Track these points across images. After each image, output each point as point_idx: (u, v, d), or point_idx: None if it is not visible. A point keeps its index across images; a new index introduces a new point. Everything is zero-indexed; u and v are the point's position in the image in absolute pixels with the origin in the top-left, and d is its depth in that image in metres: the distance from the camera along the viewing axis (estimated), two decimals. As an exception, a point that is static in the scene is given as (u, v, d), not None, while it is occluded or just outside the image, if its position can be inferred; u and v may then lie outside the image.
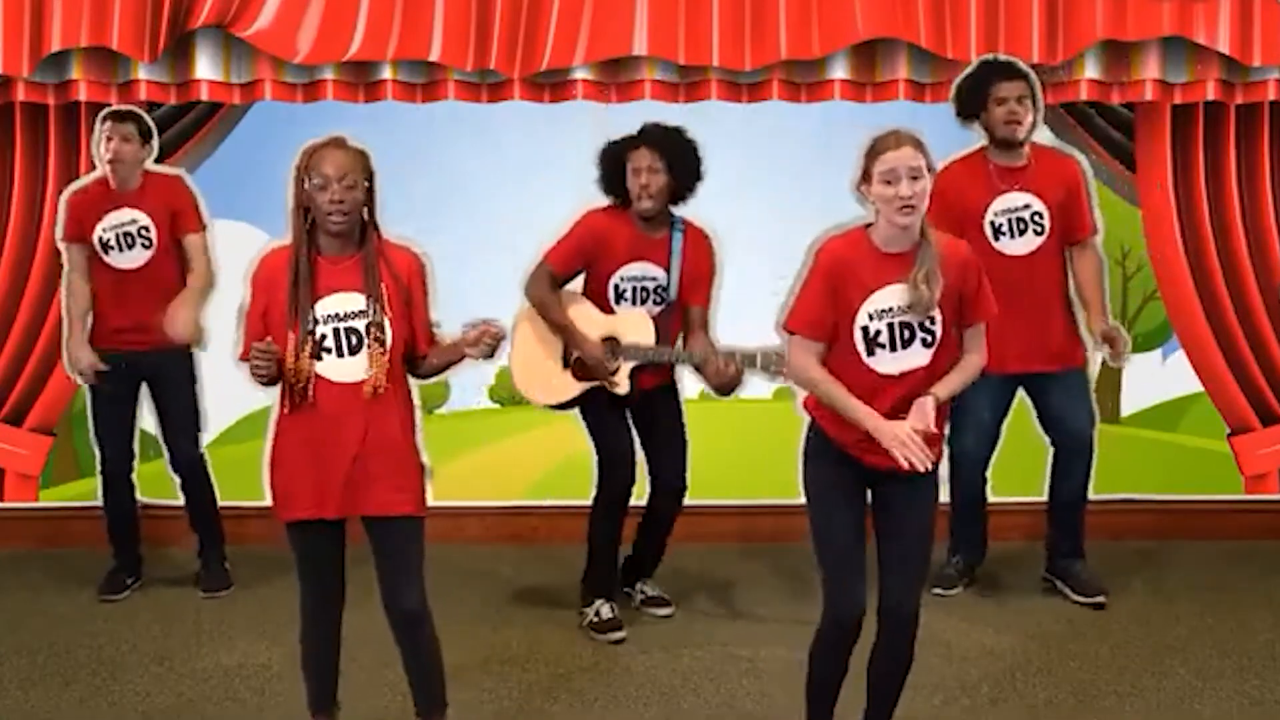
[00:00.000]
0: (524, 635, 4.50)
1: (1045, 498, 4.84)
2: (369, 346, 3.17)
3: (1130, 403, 5.65)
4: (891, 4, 5.07)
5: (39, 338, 5.43)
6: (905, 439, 3.08)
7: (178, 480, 5.04)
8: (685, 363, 4.43)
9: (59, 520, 5.55)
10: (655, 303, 4.45)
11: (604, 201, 4.49)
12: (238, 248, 5.19)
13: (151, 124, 4.91)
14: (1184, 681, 4.10)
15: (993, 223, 4.56)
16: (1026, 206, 4.56)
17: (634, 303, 4.44)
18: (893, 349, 3.16)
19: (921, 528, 3.27)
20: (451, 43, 5.08)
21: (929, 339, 3.16)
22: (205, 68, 5.17)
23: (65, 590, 4.99)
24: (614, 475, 4.49)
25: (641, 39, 5.10)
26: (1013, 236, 4.57)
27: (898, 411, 3.15)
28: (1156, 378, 5.63)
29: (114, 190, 4.81)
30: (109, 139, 4.76)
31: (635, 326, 4.42)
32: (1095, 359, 4.86)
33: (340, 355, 3.18)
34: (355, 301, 3.19)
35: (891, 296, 3.15)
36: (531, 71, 5.12)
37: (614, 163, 4.44)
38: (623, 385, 4.41)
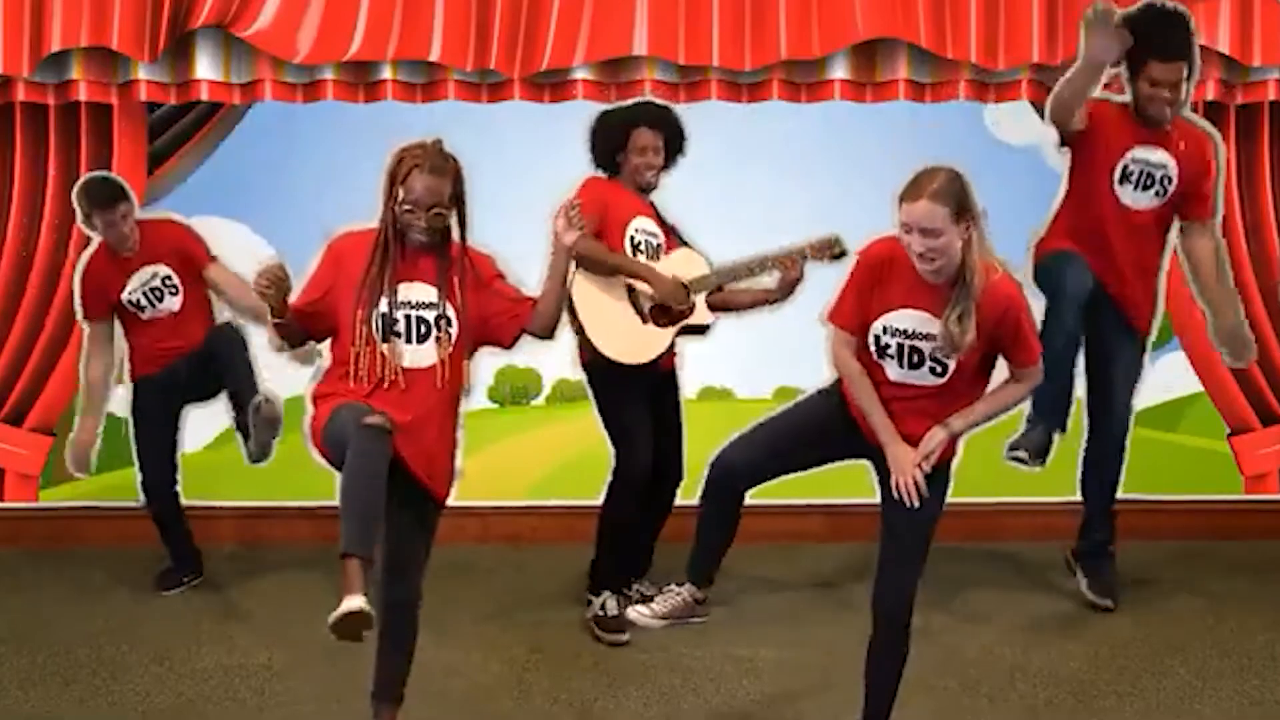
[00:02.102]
0: (524, 635, 4.49)
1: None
2: (437, 336, 3.26)
3: (1131, 402, 5.65)
4: (891, 4, 5.07)
5: (39, 338, 5.43)
6: (908, 470, 3.14)
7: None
8: (760, 271, 4.43)
9: (59, 520, 5.54)
10: (653, 255, 4.51)
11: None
12: (237, 248, 5.23)
13: (122, 182, 4.96)
14: (1184, 681, 4.10)
15: (1125, 167, 4.47)
16: (1162, 165, 4.47)
17: (647, 256, 4.47)
18: (899, 365, 3.19)
19: (917, 528, 3.27)
20: (451, 43, 5.07)
21: (938, 369, 3.17)
22: (205, 68, 5.16)
23: (65, 590, 4.98)
24: (632, 458, 4.45)
25: (641, 39, 5.10)
26: (1136, 188, 4.48)
27: (902, 412, 3.18)
28: (1156, 378, 5.62)
29: (123, 255, 4.90)
30: (108, 225, 4.84)
31: (690, 263, 4.50)
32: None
33: (409, 341, 3.26)
34: (428, 293, 3.28)
35: (910, 320, 3.15)
36: (531, 71, 5.12)
37: (616, 136, 4.51)
38: (706, 316, 4.48)
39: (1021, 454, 4.50)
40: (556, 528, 5.47)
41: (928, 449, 3.17)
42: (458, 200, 3.31)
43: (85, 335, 5.01)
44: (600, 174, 4.54)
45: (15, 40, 5.00)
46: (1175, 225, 4.62)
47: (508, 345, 3.40)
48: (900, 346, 3.17)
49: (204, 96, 5.23)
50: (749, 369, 5.53)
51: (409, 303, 3.26)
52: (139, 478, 5.04)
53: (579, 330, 4.39)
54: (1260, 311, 5.48)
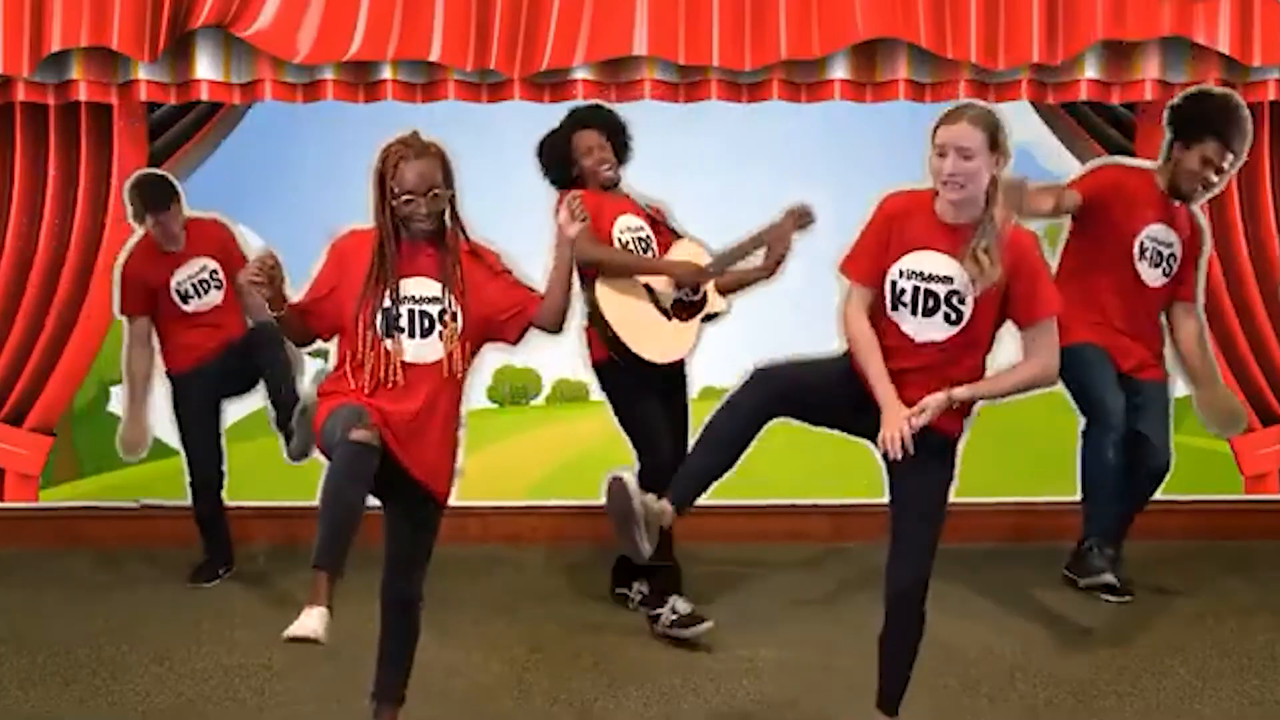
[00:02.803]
0: (524, 635, 4.49)
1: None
2: (440, 330, 3.24)
3: (1131, 403, 5.64)
4: (891, 4, 5.07)
5: (39, 338, 5.43)
6: (898, 425, 3.10)
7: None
8: (755, 249, 4.49)
9: (59, 520, 5.55)
10: (645, 250, 4.52)
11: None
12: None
13: (174, 181, 5.07)
14: (1184, 681, 4.10)
15: (1142, 243, 4.60)
16: (1171, 245, 4.62)
17: (639, 253, 4.48)
18: (913, 312, 3.16)
19: (923, 504, 3.25)
20: (451, 43, 5.08)
21: (952, 315, 3.15)
22: (205, 68, 5.16)
23: (65, 590, 4.99)
24: (657, 456, 4.40)
25: (641, 39, 5.10)
26: (1150, 265, 4.63)
27: (907, 374, 3.16)
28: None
29: (168, 251, 4.99)
30: (160, 224, 4.95)
31: (693, 252, 4.54)
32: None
33: (411, 336, 3.25)
34: (431, 288, 3.27)
35: (928, 262, 3.14)
36: (531, 71, 5.12)
37: (559, 147, 4.55)
38: (719, 303, 4.52)
39: (1099, 577, 4.67)
40: (556, 528, 5.47)
41: (924, 405, 3.12)
42: (448, 184, 3.29)
43: (126, 330, 5.07)
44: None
45: (15, 40, 5.01)
46: None
47: (513, 341, 3.38)
48: (916, 290, 3.15)
49: (204, 96, 5.23)
50: (749, 369, 5.52)
51: (412, 297, 3.25)
52: (187, 474, 5.11)
53: (612, 337, 4.39)
54: (1260, 313, 5.48)
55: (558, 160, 4.57)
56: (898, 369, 3.18)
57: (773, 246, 4.47)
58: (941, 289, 3.14)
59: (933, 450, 3.18)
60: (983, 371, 3.23)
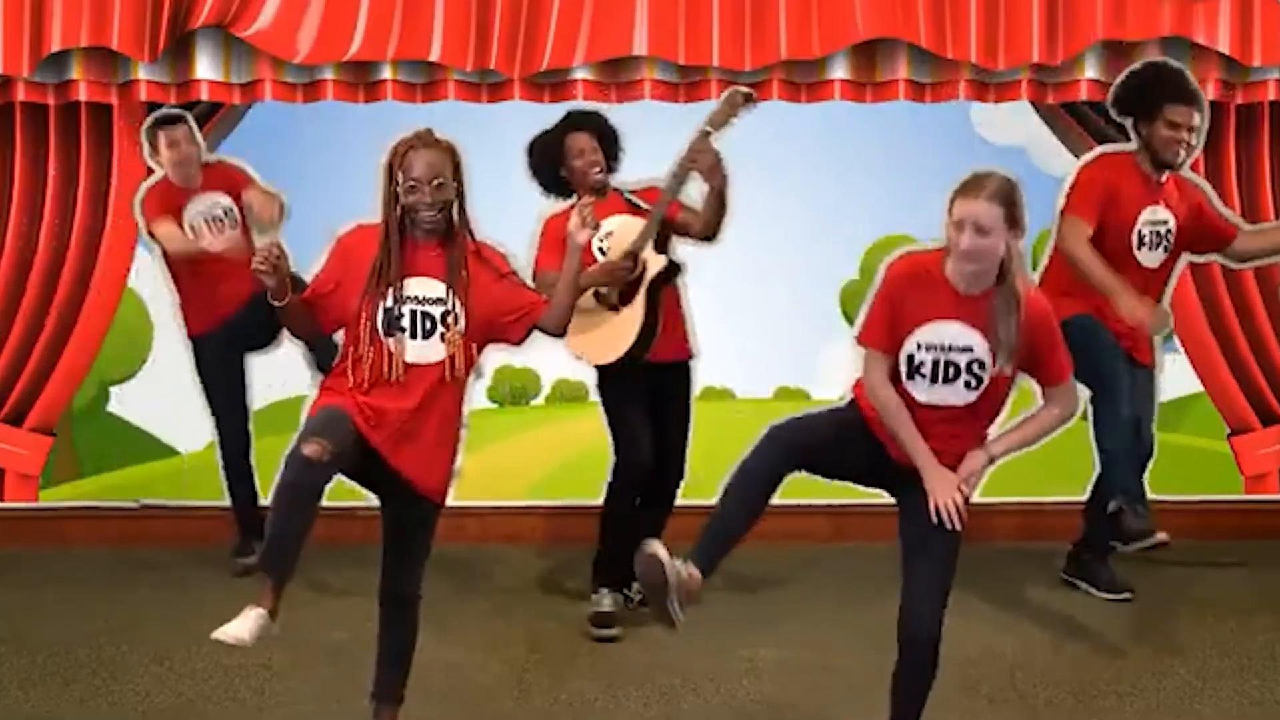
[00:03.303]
0: (524, 635, 4.49)
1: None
2: (443, 332, 3.23)
3: (1131, 403, 5.64)
4: (891, 4, 5.07)
5: (39, 338, 5.43)
6: (950, 494, 3.12)
7: None
8: (686, 176, 4.39)
9: (59, 520, 5.55)
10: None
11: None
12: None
13: (192, 122, 5.06)
14: (1184, 681, 4.10)
15: (1140, 231, 4.56)
16: (1166, 222, 4.58)
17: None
18: (932, 381, 3.17)
19: (939, 548, 3.22)
20: (451, 43, 5.08)
21: (973, 383, 3.15)
22: (205, 68, 5.17)
23: (65, 590, 4.98)
24: (630, 457, 4.48)
25: (641, 39, 5.10)
26: (1150, 249, 4.59)
27: (924, 429, 3.17)
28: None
29: (184, 186, 4.97)
30: (170, 144, 4.93)
31: (627, 227, 4.46)
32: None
33: (413, 337, 3.24)
34: (435, 288, 3.25)
35: (947, 333, 3.13)
36: (531, 71, 5.12)
37: (550, 152, 4.54)
38: (659, 260, 4.42)
39: (1143, 539, 4.61)
40: (556, 528, 5.47)
41: (969, 470, 3.16)
42: (457, 181, 3.28)
43: (161, 235, 4.95)
44: (554, 207, 4.54)
45: (15, 40, 5.01)
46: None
47: (517, 342, 3.38)
48: (935, 362, 3.15)
49: (204, 96, 5.23)
50: (749, 369, 5.54)
51: (415, 298, 3.24)
52: (216, 438, 5.10)
53: (579, 356, 4.50)
54: (1260, 313, 5.48)
55: (548, 162, 4.56)
56: (923, 430, 3.19)
57: (700, 165, 4.32)
58: (962, 359, 3.14)
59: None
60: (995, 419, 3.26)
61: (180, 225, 4.95)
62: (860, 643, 4.14)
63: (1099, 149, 4.88)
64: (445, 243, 3.29)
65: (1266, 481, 5.64)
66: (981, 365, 3.14)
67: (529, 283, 3.44)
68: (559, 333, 3.40)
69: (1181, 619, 4.64)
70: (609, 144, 4.59)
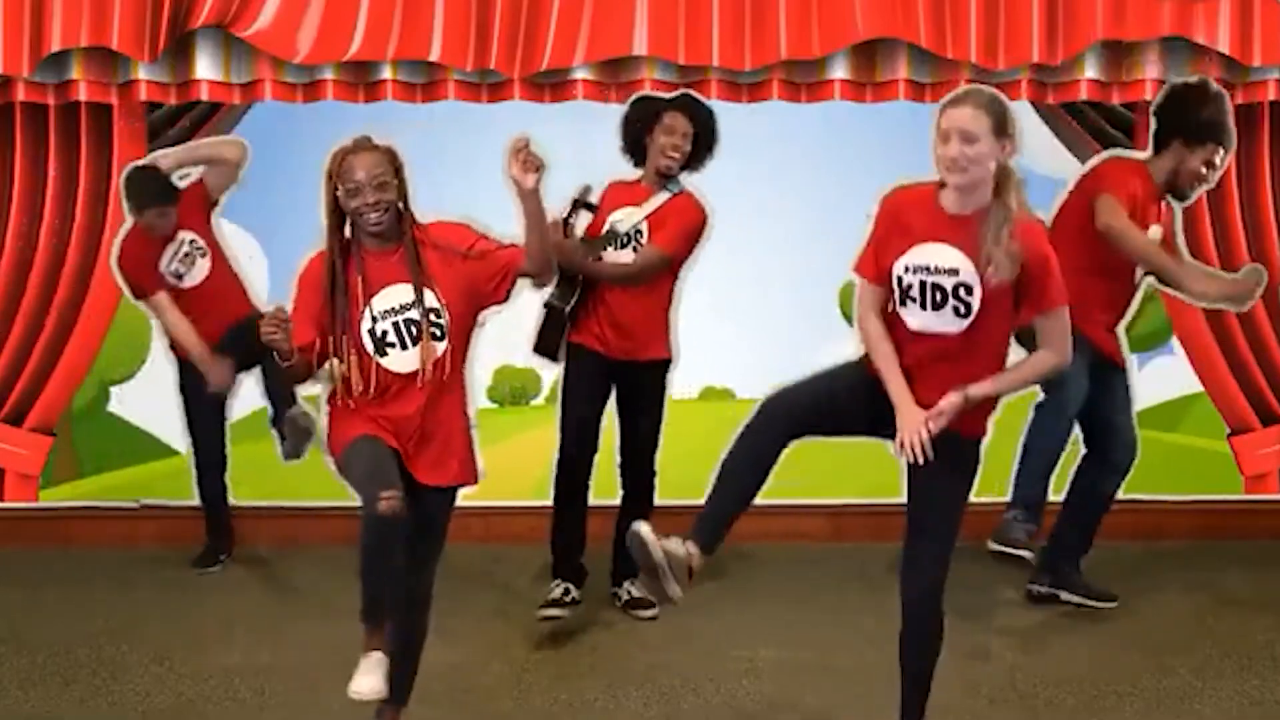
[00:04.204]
0: (524, 635, 4.49)
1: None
2: (423, 336, 3.22)
3: (1130, 403, 5.65)
4: (891, 4, 5.08)
5: (39, 338, 5.43)
6: (916, 430, 3.05)
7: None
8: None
9: (59, 520, 5.55)
10: (634, 248, 4.50)
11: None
12: (237, 248, 5.24)
13: (170, 177, 5.08)
14: (1184, 681, 4.10)
15: None
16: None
17: (618, 247, 4.48)
18: (922, 307, 3.10)
19: (942, 505, 3.19)
20: (451, 43, 5.08)
21: (961, 309, 3.07)
22: (205, 68, 5.17)
23: (65, 590, 4.98)
24: (561, 443, 4.60)
25: (641, 39, 5.10)
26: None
27: (921, 370, 3.10)
28: (1156, 378, 5.62)
29: (157, 235, 5.01)
30: (161, 216, 4.98)
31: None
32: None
33: (405, 348, 3.23)
34: (405, 293, 3.24)
35: (934, 254, 3.07)
36: (531, 71, 5.12)
37: (647, 117, 4.53)
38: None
39: (1015, 549, 4.55)
40: (556, 528, 5.45)
41: (940, 409, 3.06)
42: (399, 181, 3.24)
43: (155, 308, 5.04)
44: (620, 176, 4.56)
45: (15, 40, 5.01)
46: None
47: (504, 299, 3.33)
48: (923, 285, 3.08)
49: (204, 96, 5.24)
50: (749, 369, 5.53)
51: (391, 309, 3.22)
52: (192, 455, 5.18)
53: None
54: (1260, 312, 5.48)
55: (639, 121, 4.54)
56: (912, 364, 3.13)
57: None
58: (948, 281, 3.06)
59: (955, 451, 3.13)
60: (1001, 370, 3.17)
61: (161, 281, 5.00)
62: (860, 643, 4.14)
63: (1113, 152, 4.89)
64: (396, 240, 3.25)
65: (1266, 481, 5.64)
66: (969, 290, 3.05)
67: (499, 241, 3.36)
68: (543, 275, 3.38)
69: (1182, 619, 4.64)
70: (700, 143, 4.54)
